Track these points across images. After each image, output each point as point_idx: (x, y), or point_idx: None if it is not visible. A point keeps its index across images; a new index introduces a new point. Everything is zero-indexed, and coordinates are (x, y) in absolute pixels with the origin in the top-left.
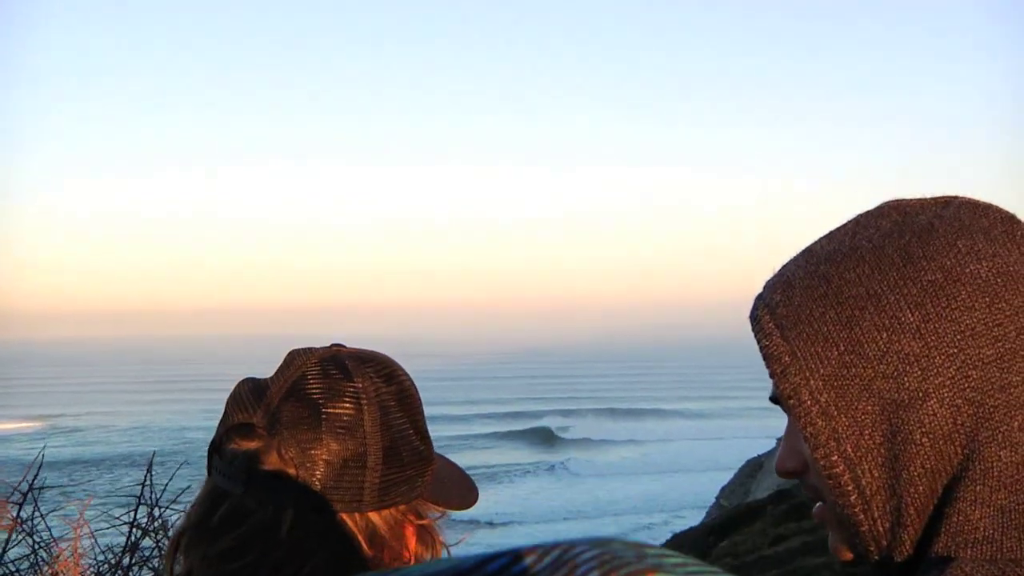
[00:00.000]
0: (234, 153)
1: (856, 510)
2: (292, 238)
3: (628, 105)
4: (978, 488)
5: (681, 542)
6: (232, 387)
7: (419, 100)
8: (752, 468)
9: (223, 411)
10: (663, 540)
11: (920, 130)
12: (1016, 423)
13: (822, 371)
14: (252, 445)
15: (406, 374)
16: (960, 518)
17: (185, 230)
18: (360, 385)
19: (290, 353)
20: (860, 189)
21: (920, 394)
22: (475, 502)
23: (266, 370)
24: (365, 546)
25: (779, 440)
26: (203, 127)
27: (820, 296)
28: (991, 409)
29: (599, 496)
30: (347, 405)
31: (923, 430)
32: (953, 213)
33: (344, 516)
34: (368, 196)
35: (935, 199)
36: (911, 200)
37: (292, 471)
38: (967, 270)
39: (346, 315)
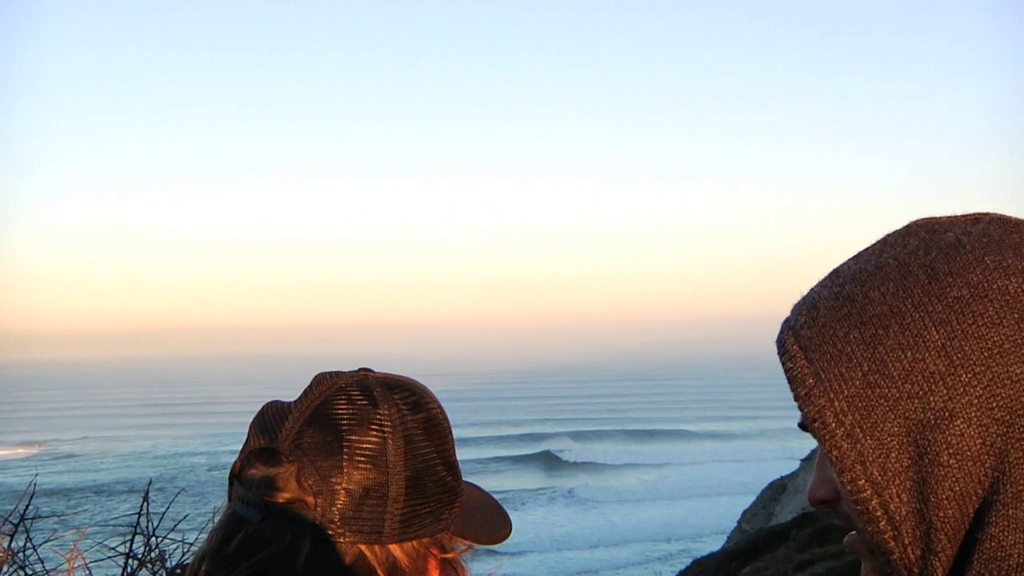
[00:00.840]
0: (240, 167)
1: (886, 536)
2: (294, 254)
3: (632, 117)
4: (1011, 512)
5: (702, 568)
6: (254, 410)
7: (414, 113)
8: (775, 490)
9: (247, 434)
10: (683, 567)
11: (931, 139)
12: None
13: (846, 392)
14: (271, 471)
15: (436, 402)
16: (993, 544)
17: (187, 247)
18: (385, 413)
19: (316, 376)
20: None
21: (947, 414)
22: (507, 536)
23: (276, 393)
24: None
25: (803, 461)
26: (205, 142)
27: (844, 316)
28: (1022, 429)
29: (615, 521)
30: (371, 434)
31: (950, 451)
32: (983, 229)
33: (363, 548)
34: (372, 211)
35: (965, 216)
36: (941, 218)
37: (311, 499)
38: (995, 285)
39: (349, 333)
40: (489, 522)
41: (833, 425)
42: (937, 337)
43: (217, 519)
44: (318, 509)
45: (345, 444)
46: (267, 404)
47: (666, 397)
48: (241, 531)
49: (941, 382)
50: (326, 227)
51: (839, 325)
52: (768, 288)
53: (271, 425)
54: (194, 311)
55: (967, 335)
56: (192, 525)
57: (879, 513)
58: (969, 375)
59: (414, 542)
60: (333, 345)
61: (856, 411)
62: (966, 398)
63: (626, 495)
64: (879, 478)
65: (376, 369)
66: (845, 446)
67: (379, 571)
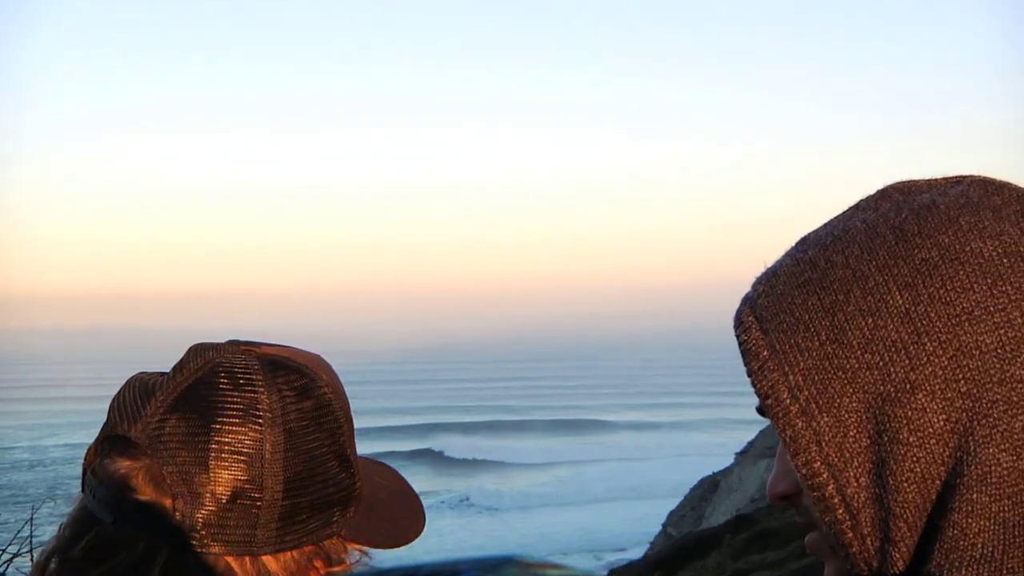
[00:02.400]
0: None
1: (844, 527)
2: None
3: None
4: (975, 496)
5: None
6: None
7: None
8: (706, 488)
9: (107, 415)
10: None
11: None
12: (1020, 423)
13: (802, 364)
14: (128, 465)
15: (331, 384)
16: (955, 532)
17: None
18: (265, 400)
19: (192, 348)
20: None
21: (908, 386)
22: (415, 537)
23: (123, 373)
24: None
25: (738, 455)
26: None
27: (803, 283)
28: (989, 404)
29: (518, 531)
30: (246, 426)
31: (911, 428)
32: (962, 191)
33: (231, 560)
34: (234, 160)
35: (946, 178)
36: (919, 180)
37: (170, 502)
38: (968, 248)
39: (210, 302)
40: (395, 521)
41: (787, 401)
42: (901, 302)
43: (71, 510)
44: (178, 514)
45: (214, 437)
46: (133, 378)
47: (583, 382)
48: (91, 532)
49: (903, 351)
50: (186, 179)
51: (798, 292)
52: (712, 256)
53: (131, 408)
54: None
55: (933, 300)
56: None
57: (836, 500)
58: (934, 344)
59: (294, 552)
60: (194, 316)
61: (812, 385)
62: (929, 369)
63: (531, 500)
64: (836, 460)
65: (268, 341)
66: (799, 424)
67: None
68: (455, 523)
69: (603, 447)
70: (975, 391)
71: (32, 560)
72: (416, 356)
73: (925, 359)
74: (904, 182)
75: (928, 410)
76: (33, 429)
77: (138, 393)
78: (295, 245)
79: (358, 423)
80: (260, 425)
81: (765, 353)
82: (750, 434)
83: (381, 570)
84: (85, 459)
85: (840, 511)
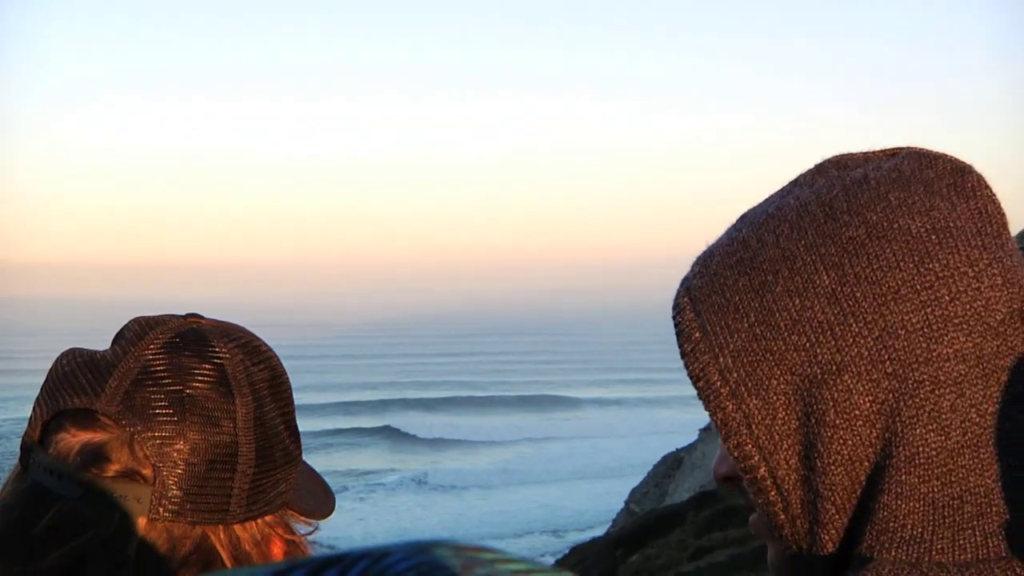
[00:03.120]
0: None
1: (776, 508)
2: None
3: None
4: (903, 477)
5: (582, 557)
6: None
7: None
8: (670, 465)
9: (43, 391)
10: (562, 555)
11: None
12: (947, 403)
13: (732, 346)
14: (94, 438)
15: (275, 354)
16: (885, 513)
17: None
18: (230, 369)
19: (135, 322)
20: None
21: (834, 367)
22: (332, 510)
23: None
24: (229, 566)
25: (702, 432)
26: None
27: (735, 263)
28: (915, 384)
29: (484, 511)
30: (218, 394)
31: (837, 409)
32: (895, 164)
33: (207, 529)
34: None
35: (882, 151)
36: (856, 153)
37: (147, 472)
38: (895, 225)
39: (143, 273)
40: (316, 494)
41: (718, 384)
42: (828, 282)
43: (4, 491)
44: (157, 483)
45: (188, 406)
46: (67, 353)
47: (547, 357)
48: (51, 510)
49: (829, 332)
50: (127, 144)
51: (729, 272)
52: (683, 230)
53: (86, 381)
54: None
55: (859, 280)
56: None
57: (768, 483)
58: (860, 325)
59: (259, 521)
60: (122, 287)
61: (742, 367)
62: (855, 350)
63: (492, 478)
64: (766, 442)
65: (205, 315)
66: (730, 407)
67: (224, 556)
68: (412, 501)
69: (567, 424)
70: (901, 371)
71: None
72: (375, 330)
73: (851, 340)
74: (841, 156)
75: (854, 391)
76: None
77: (87, 367)
78: (248, 216)
79: (315, 399)
80: (232, 393)
81: (697, 335)
82: None
83: (315, 560)
84: (28, 435)
85: (772, 493)
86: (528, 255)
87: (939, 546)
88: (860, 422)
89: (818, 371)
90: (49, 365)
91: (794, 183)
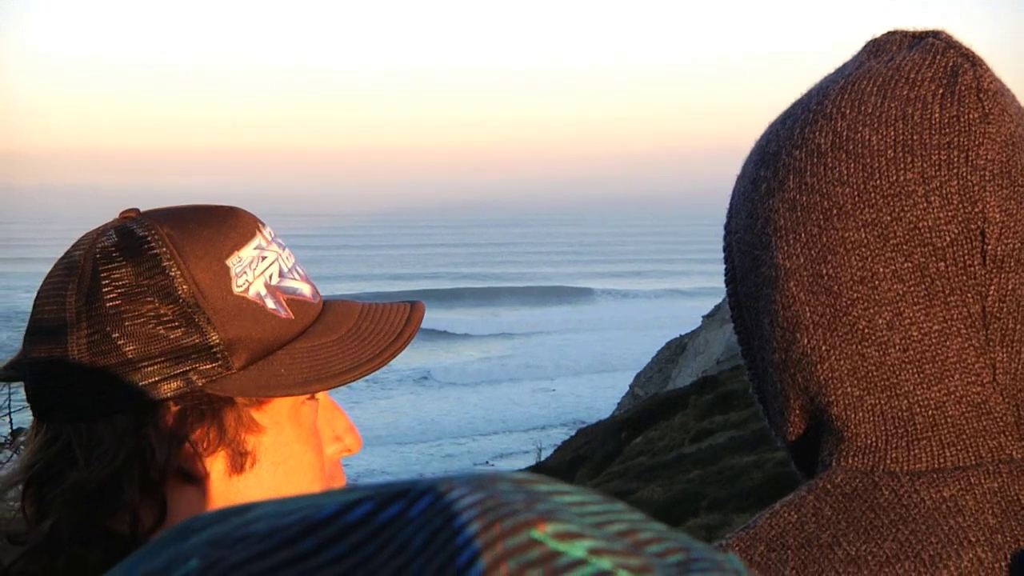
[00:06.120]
0: None
1: (756, 396)
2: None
3: None
4: (848, 389)
5: (588, 439)
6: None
7: None
8: (673, 351)
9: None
10: (568, 436)
11: None
12: (883, 320)
13: (734, 239)
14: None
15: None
16: (839, 424)
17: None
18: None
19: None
20: None
21: (783, 272)
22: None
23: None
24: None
25: (705, 318)
26: None
27: (753, 152)
28: (848, 303)
29: (489, 408)
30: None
31: (784, 314)
32: (904, 59)
33: (250, 408)
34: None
35: (921, 32)
36: (901, 33)
37: (199, 338)
38: (856, 136)
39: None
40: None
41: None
42: (791, 187)
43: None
44: (214, 336)
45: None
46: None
47: (560, 247)
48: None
49: (783, 237)
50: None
51: (751, 164)
52: (700, 124)
53: (60, 290)
54: None
55: (813, 190)
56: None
57: (748, 372)
58: (807, 235)
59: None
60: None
61: (734, 258)
62: (801, 260)
63: (495, 374)
64: (741, 331)
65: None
66: (729, 291)
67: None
68: (412, 399)
69: (579, 316)
70: (836, 288)
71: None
72: (381, 220)
73: (799, 249)
74: (889, 35)
75: (796, 300)
76: None
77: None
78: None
79: (322, 289)
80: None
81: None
82: (718, 299)
83: (381, 490)
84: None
85: (753, 382)
86: (545, 148)
87: (893, 455)
88: (800, 331)
89: (772, 272)
90: (61, 253)
91: (853, 58)
